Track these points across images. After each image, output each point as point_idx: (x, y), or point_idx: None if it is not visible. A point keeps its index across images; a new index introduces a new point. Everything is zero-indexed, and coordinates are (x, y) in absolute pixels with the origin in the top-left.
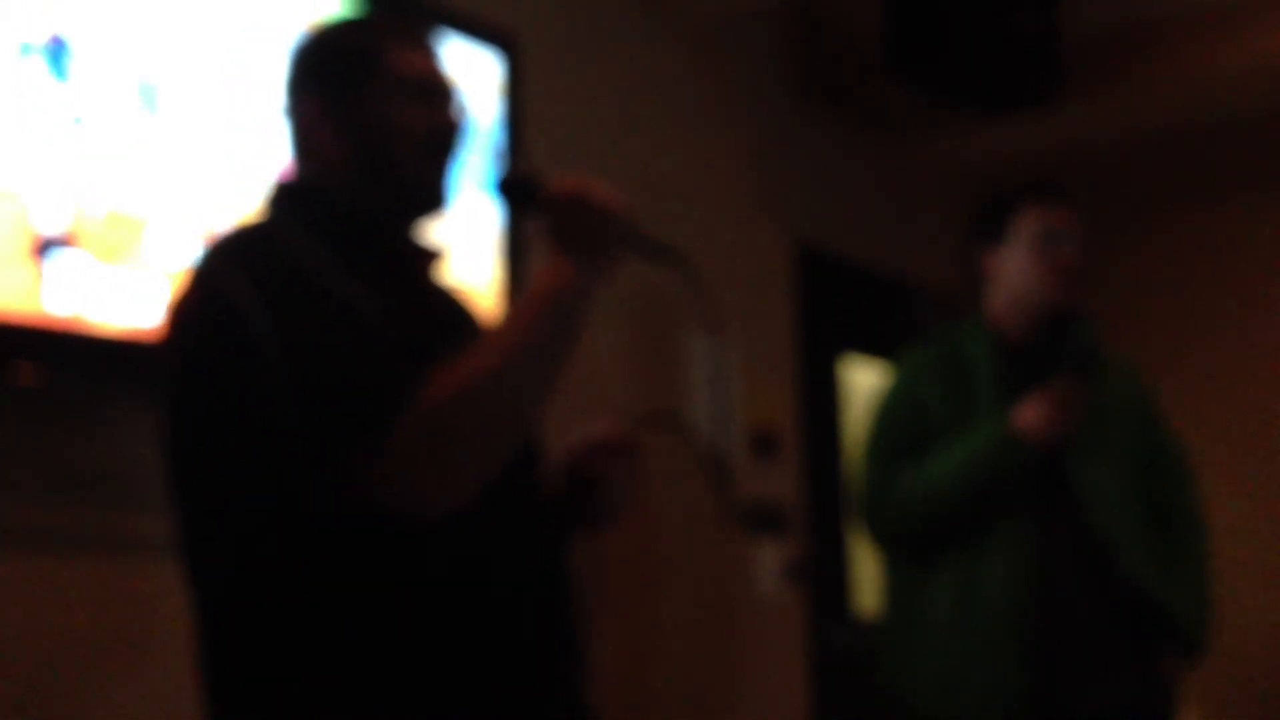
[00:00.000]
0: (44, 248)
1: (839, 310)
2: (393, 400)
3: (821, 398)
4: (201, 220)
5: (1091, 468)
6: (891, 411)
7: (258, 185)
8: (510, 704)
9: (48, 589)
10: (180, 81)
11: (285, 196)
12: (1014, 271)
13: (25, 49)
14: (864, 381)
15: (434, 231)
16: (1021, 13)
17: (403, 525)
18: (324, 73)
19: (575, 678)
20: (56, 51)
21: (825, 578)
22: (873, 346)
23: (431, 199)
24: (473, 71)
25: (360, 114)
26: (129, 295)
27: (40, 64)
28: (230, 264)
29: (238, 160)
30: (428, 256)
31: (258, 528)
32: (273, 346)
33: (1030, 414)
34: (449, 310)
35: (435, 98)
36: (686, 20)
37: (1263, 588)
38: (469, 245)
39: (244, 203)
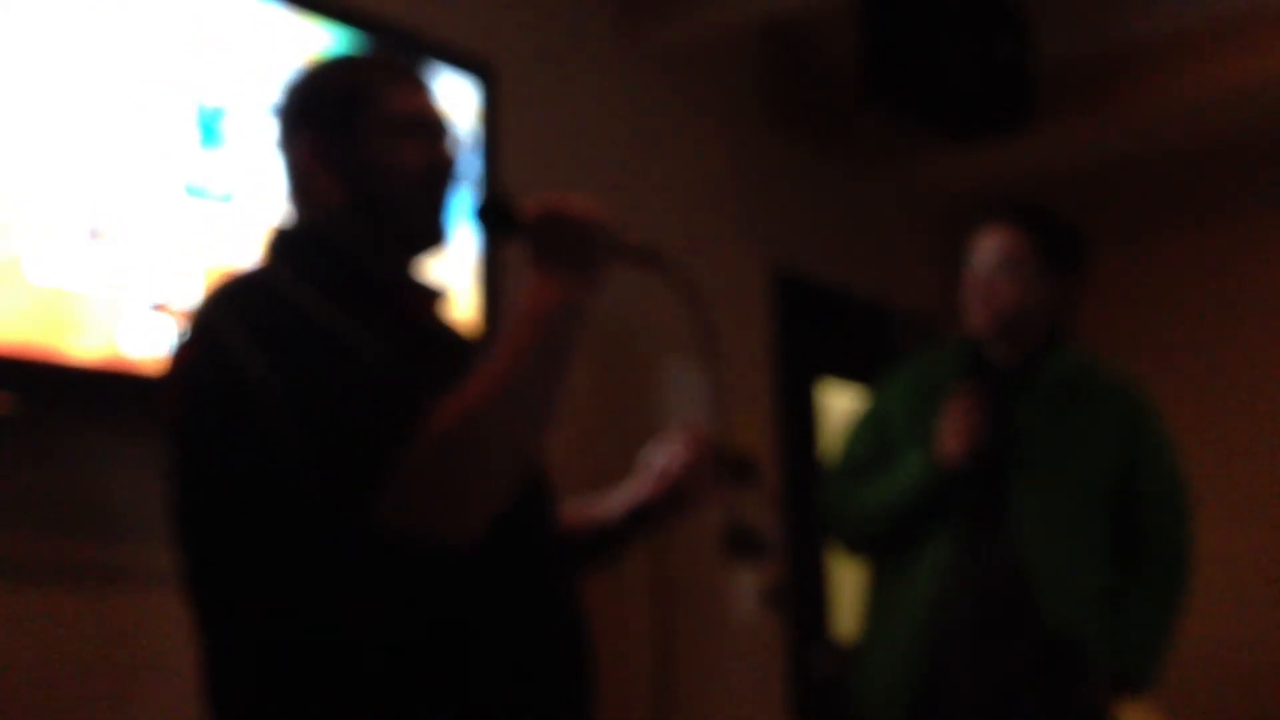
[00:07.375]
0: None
1: (816, 335)
2: (395, 437)
3: (799, 422)
4: (183, 253)
5: (1028, 491)
6: (859, 427)
7: (244, 224)
8: None
9: (25, 619)
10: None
11: (283, 243)
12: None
13: None
14: (841, 406)
15: (431, 269)
16: (995, 41)
17: (417, 561)
18: (316, 114)
19: (587, 709)
20: None
21: (804, 602)
22: (850, 371)
23: (431, 235)
24: (450, 99)
25: (354, 155)
26: (107, 325)
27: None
28: (227, 313)
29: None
30: (430, 295)
31: (271, 569)
32: (271, 392)
33: (942, 435)
34: (452, 347)
35: (429, 134)
36: (663, 47)
37: (1248, 606)
38: (447, 274)
39: (229, 238)
